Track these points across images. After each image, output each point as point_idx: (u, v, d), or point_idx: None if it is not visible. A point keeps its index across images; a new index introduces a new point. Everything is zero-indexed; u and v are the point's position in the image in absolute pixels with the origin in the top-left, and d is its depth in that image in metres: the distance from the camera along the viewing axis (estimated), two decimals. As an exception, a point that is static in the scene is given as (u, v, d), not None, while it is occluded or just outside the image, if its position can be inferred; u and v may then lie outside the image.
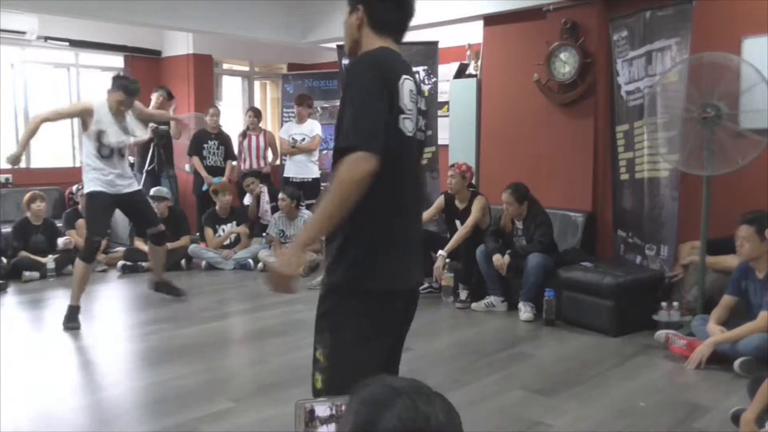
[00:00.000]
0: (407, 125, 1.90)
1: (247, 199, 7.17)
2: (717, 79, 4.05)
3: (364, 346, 1.88)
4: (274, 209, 6.86)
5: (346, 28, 2.06)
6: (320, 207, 1.80)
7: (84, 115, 4.60)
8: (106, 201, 4.70)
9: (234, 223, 6.77)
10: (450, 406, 0.99)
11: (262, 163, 7.51)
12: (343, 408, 1.29)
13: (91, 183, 4.67)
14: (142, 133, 4.90)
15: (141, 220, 5.24)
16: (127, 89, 4.63)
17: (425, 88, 6.46)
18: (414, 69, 7.00)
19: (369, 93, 1.84)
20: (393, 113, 1.86)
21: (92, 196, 4.68)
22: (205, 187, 7.17)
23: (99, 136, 4.58)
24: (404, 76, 1.92)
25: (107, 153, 4.63)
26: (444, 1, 6.11)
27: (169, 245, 6.50)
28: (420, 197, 2.11)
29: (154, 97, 7.06)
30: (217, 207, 6.73)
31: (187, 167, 7.62)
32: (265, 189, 7.11)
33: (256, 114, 7.63)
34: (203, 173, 7.10)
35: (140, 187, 5.04)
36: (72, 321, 4.52)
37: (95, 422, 3.08)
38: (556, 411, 3.14)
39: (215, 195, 6.75)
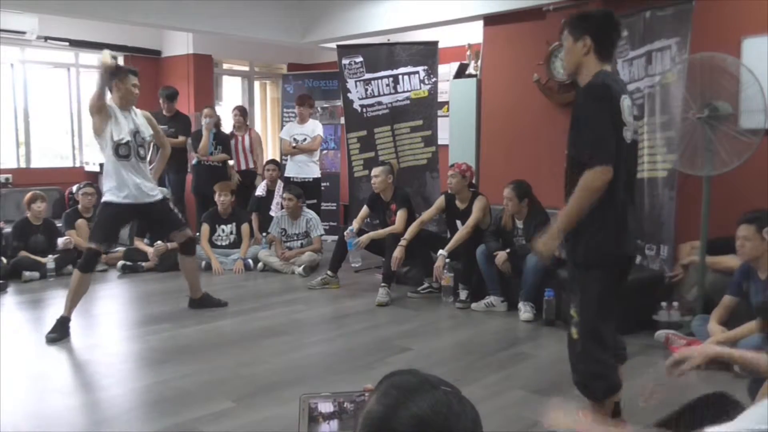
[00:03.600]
0: (627, 134, 2.49)
1: (260, 189, 7.14)
2: (713, 79, 4.05)
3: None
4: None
5: (571, 54, 2.60)
6: (569, 206, 2.50)
7: (104, 110, 4.39)
8: (120, 212, 4.53)
9: (234, 224, 6.76)
10: (478, 415, 0.99)
11: (250, 164, 7.51)
12: (346, 405, 1.29)
13: (109, 192, 4.50)
14: (148, 132, 4.63)
15: (165, 226, 4.97)
16: (133, 71, 4.59)
17: (425, 88, 6.48)
18: (414, 69, 7.02)
19: (601, 118, 2.43)
20: (618, 128, 2.45)
21: (107, 205, 4.52)
22: (194, 161, 7.15)
23: (113, 134, 4.41)
24: (623, 96, 2.47)
25: (125, 152, 4.45)
26: (444, 1, 6.11)
27: (170, 245, 6.55)
28: (633, 189, 2.68)
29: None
30: (218, 207, 6.73)
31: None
32: (281, 183, 7.06)
33: (242, 113, 7.61)
34: (201, 142, 7.10)
35: (161, 196, 4.79)
36: (55, 332, 4.28)
37: (95, 422, 3.07)
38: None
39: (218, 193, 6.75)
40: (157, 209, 4.68)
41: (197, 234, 6.82)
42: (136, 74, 4.58)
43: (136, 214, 4.70)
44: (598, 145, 2.42)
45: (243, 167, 7.49)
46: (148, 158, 4.70)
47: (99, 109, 4.36)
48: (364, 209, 6.00)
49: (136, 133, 4.51)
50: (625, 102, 2.48)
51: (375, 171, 5.82)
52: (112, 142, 4.42)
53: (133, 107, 4.61)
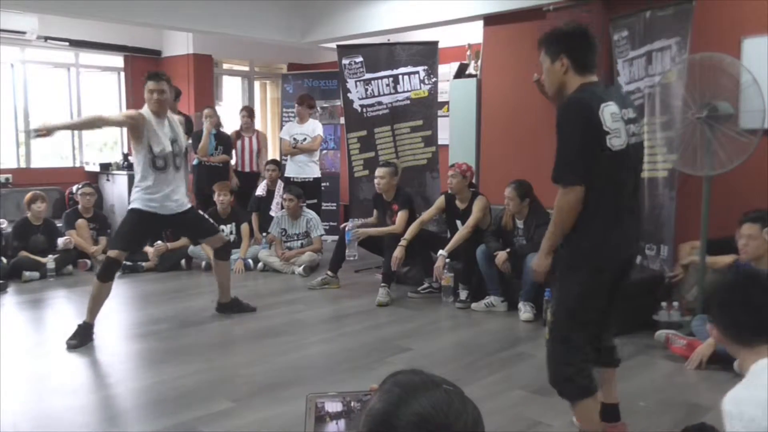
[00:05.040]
0: (614, 142, 2.40)
1: (260, 189, 7.15)
2: (713, 79, 4.05)
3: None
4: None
5: (550, 75, 2.57)
6: (550, 227, 2.54)
7: (134, 122, 4.23)
8: (147, 221, 4.34)
9: (233, 224, 6.77)
10: (480, 415, 0.99)
11: (254, 167, 7.52)
12: (353, 404, 1.29)
13: (136, 201, 4.33)
14: (184, 141, 4.47)
15: (198, 233, 4.89)
16: (150, 74, 4.31)
17: (425, 88, 6.48)
18: (414, 69, 6.99)
19: (570, 136, 2.41)
20: (600, 137, 2.38)
21: (133, 212, 4.34)
22: (195, 161, 7.14)
23: (152, 146, 4.23)
24: (603, 104, 2.40)
25: (162, 164, 4.27)
26: (444, 1, 6.11)
27: (170, 245, 6.56)
28: (635, 187, 2.62)
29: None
30: (217, 207, 6.73)
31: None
32: (281, 183, 7.07)
33: (249, 114, 7.61)
34: (201, 143, 7.01)
35: (190, 205, 4.62)
36: (75, 338, 4.14)
37: (95, 422, 3.07)
38: (555, 411, 3.13)
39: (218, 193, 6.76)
40: (187, 219, 4.54)
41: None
42: (154, 78, 4.29)
43: (164, 224, 4.48)
44: (566, 165, 2.43)
45: (247, 169, 7.48)
46: (183, 167, 4.53)
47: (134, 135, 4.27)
48: (374, 216, 6.02)
49: (174, 142, 4.32)
50: (608, 109, 2.39)
51: (380, 172, 5.81)
52: (150, 154, 4.23)
53: (169, 114, 4.40)
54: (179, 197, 4.44)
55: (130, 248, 4.49)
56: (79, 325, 4.21)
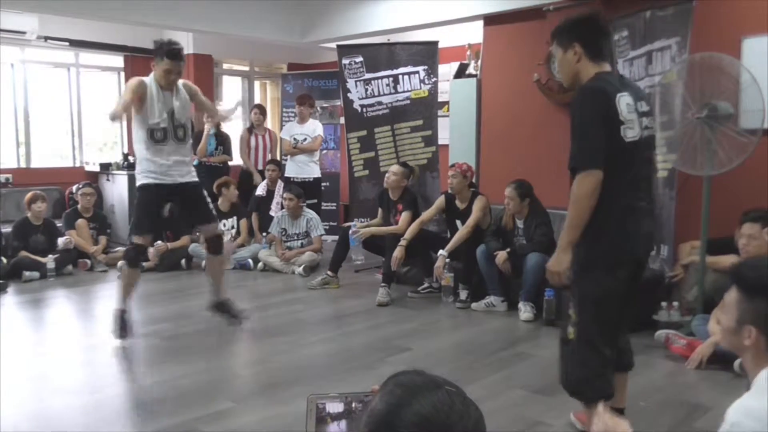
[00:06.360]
0: (628, 133, 2.40)
1: (261, 189, 7.16)
2: (713, 79, 4.05)
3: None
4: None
5: (564, 65, 2.58)
6: (568, 218, 2.44)
7: (139, 91, 4.04)
8: (156, 195, 4.22)
9: (235, 218, 6.80)
10: (481, 416, 0.99)
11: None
12: (354, 405, 1.29)
13: (141, 175, 4.18)
14: (185, 114, 4.24)
15: (194, 215, 4.57)
16: (171, 53, 4.04)
17: (425, 88, 6.48)
18: (414, 68, 6.97)
19: (588, 122, 2.38)
20: (615, 127, 2.37)
21: (142, 189, 4.20)
22: (195, 162, 7.13)
23: (148, 117, 4.06)
24: (619, 94, 2.39)
25: (160, 136, 4.09)
26: (444, 1, 6.11)
27: (170, 245, 6.56)
28: (649, 181, 2.62)
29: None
30: (219, 201, 6.72)
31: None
32: (281, 183, 7.09)
33: (261, 112, 7.70)
34: (200, 144, 7.03)
35: (197, 179, 4.44)
36: (115, 325, 4.18)
37: (95, 422, 3.07)
38: (556, 411, 3.14)
39: (220, 189, 6.75)
40: (190, 191, 4.34)
41: (197, 234, 6.82)
42: (176, 58, 4.07)
43: (170, 195, 4.35)
44: (584, 150, 2.39)
45: (260, 167, 7.51)
46: (189, 138, 4.33)
47: (125, 111, 4.08)
48: (379, 216, 6.02)
49: (173, 114, 4.13)
50: (623, 100, 2.39)
51: (394, 168, 5.83)
52: (146, 126, 4.08)
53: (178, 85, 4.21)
54: (183, 166, 4.27)
55: (150, 229, 4.40)
56: (114, 314, 4.22)
